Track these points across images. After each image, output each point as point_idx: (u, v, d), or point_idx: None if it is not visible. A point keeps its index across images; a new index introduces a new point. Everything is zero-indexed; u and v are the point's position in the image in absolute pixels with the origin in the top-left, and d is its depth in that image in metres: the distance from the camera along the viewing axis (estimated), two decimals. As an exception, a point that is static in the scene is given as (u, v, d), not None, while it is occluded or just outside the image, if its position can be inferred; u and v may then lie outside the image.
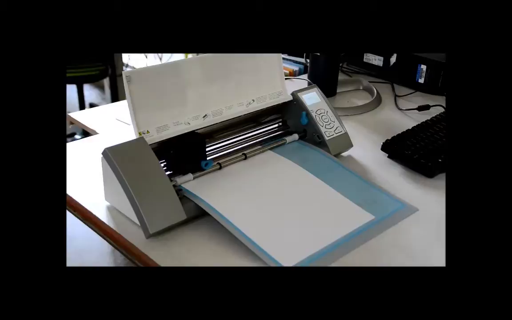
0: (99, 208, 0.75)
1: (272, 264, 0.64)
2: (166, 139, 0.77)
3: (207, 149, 0.82)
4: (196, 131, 0.80)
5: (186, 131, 0.79)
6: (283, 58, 1.44)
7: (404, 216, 0.75)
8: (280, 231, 0.70)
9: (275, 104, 0.91)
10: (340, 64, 1.38)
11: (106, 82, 2.82)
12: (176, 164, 0.77)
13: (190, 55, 1.99)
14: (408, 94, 1.25)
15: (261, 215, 0.72)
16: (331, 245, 0.68)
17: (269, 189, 0.78)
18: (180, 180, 0.75)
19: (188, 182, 0.75)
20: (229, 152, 0.85)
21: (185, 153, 0.78)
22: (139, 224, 0.68)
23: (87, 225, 0.76)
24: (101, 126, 1.05)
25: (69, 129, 1.10)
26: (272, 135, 0.93)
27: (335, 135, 0.91)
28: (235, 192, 0.75)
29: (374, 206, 0.76)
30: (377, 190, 0.80)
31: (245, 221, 0.69)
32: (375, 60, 1.36)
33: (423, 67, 1.26)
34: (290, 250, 0.66)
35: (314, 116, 0.91)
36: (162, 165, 0.77)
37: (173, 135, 0.77)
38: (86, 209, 0.76)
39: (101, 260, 1.40)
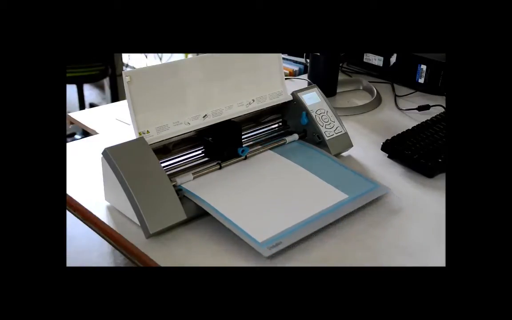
0: (99, 208, 0.75)
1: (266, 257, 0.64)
2: (202, 128, 0.80)
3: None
4: (232, 120, 0.84)
5: (186, 131, 0.79)
6: (283, 58, 1.44)
7: (376, 195, 0.78)
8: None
9: (275, 104, 0.91)
10: (340, 64, 1.38)
11: (106, 82, 2.82)
12: (214, 150, 0.81)
13: (190, 55, 1.99)
14: (408, 94, 1.25)
15: (261, 214, 0.72)
16: (304, 221, 0.70)
17: (269, 188, 0.78)
18: (180, 180, 0.75)
19: (188, 182, 0.75)
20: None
21: (223, 140, 0.81)
22: (139, 224, 0.68)
23: (87, 225, 0.76)
24: (101, 126, 1.05)
25: (69, 129, 1.10)
26: (272, 135, 0.93)
27: (335, 135, 0.91)
28: (235, 192, 0.75)
29: (348, 186, 0.78)
30: (358, 176, 0.82)
31: (245, 220, 0.69)
32: (375, 60, 1.36)
33: (423, 67, 1.26)
34: (267, 230, 0.68)
35: (314, 116, 0.91)
36: (200, 152, 0.82)
37: (173, 135, 0.78)
38: (86, 209, 0.76)
39: (101, 260, 1.40)
